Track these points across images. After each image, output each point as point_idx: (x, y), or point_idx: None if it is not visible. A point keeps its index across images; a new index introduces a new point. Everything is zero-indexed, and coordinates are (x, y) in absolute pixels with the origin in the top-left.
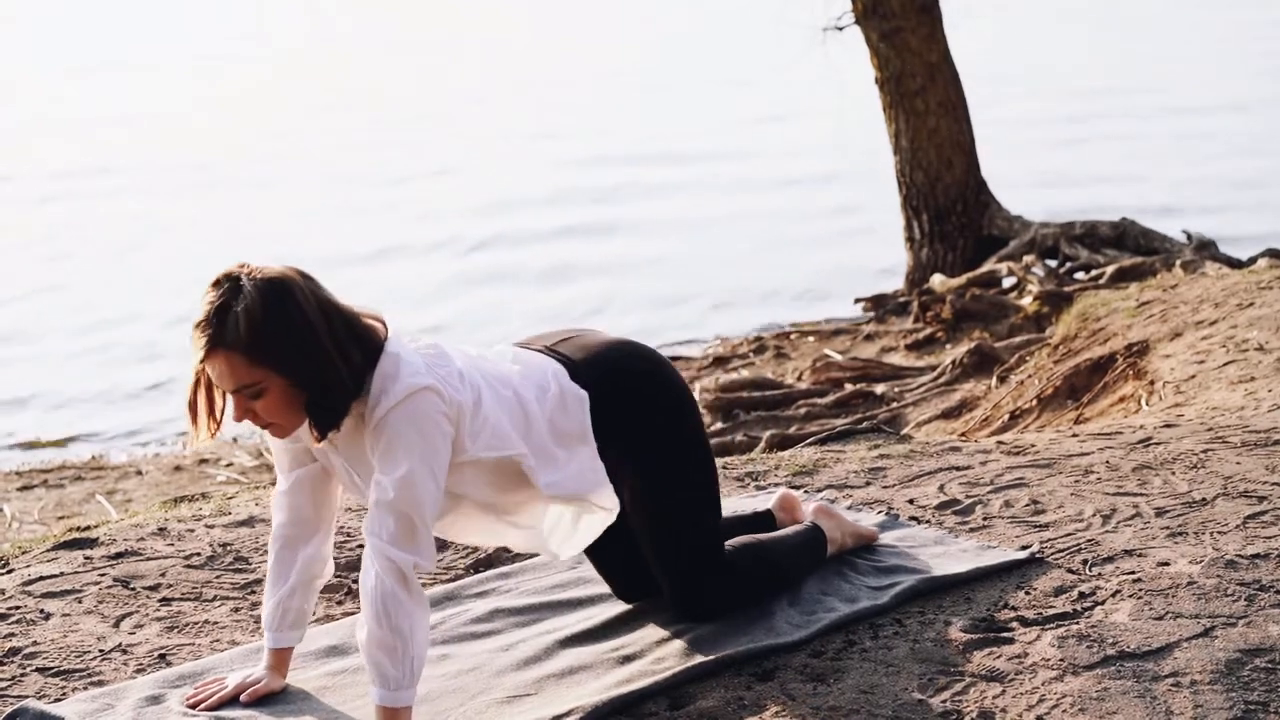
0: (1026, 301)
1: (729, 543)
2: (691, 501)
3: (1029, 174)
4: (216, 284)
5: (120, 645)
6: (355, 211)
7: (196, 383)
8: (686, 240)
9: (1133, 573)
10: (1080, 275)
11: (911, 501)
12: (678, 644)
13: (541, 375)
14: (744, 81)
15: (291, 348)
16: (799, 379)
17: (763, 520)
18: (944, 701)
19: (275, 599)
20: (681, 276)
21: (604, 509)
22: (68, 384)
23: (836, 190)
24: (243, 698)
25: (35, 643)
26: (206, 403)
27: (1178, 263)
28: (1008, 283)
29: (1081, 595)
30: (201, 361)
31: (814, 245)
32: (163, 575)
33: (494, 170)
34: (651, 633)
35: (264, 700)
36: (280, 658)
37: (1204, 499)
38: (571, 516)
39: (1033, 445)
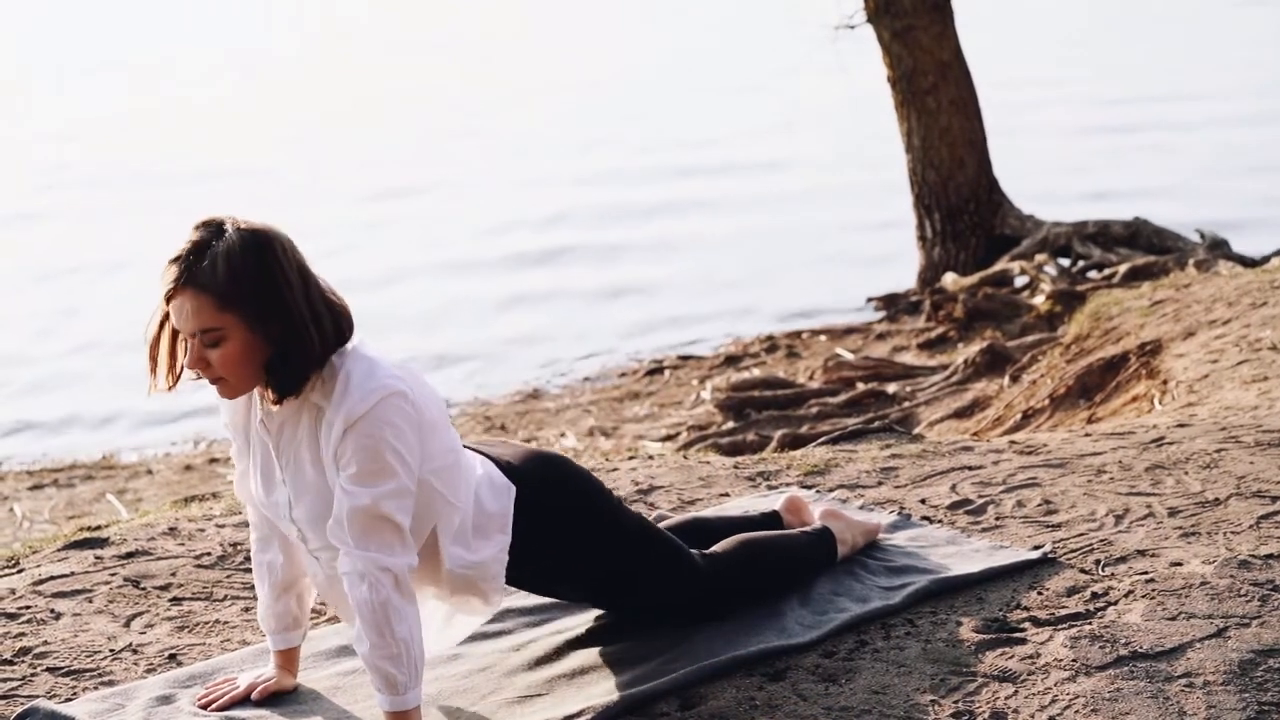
0: (1039, 301)
1: (729, 541)
2: (625, 571)
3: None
4: (200, 225)
5: (131, 645)
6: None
7: (161, 324)
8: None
9: (1145, 573)
10: (1093, 274)
11: (923, 501)
12: (689, 644)
13: (470, 458)
14: (756, 87)
15: (264, 299)
16: (811, 378)
17: (769, 522)
18: (956, 702)
19: (263, 604)
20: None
21: (484, 607)
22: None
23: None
24: (253, 695)
25: (46, 642)
26: (169, 351)
27: (1191, 262)
28: (1020, 282)
29: (1094, 595)
30: (168, 298)
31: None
32: (173, 575)
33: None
34: (662, 633)
35: (275, 700)
36: (286, 657)
37: (1217, 499)
38: (445, 614)
39: (1045, 445)
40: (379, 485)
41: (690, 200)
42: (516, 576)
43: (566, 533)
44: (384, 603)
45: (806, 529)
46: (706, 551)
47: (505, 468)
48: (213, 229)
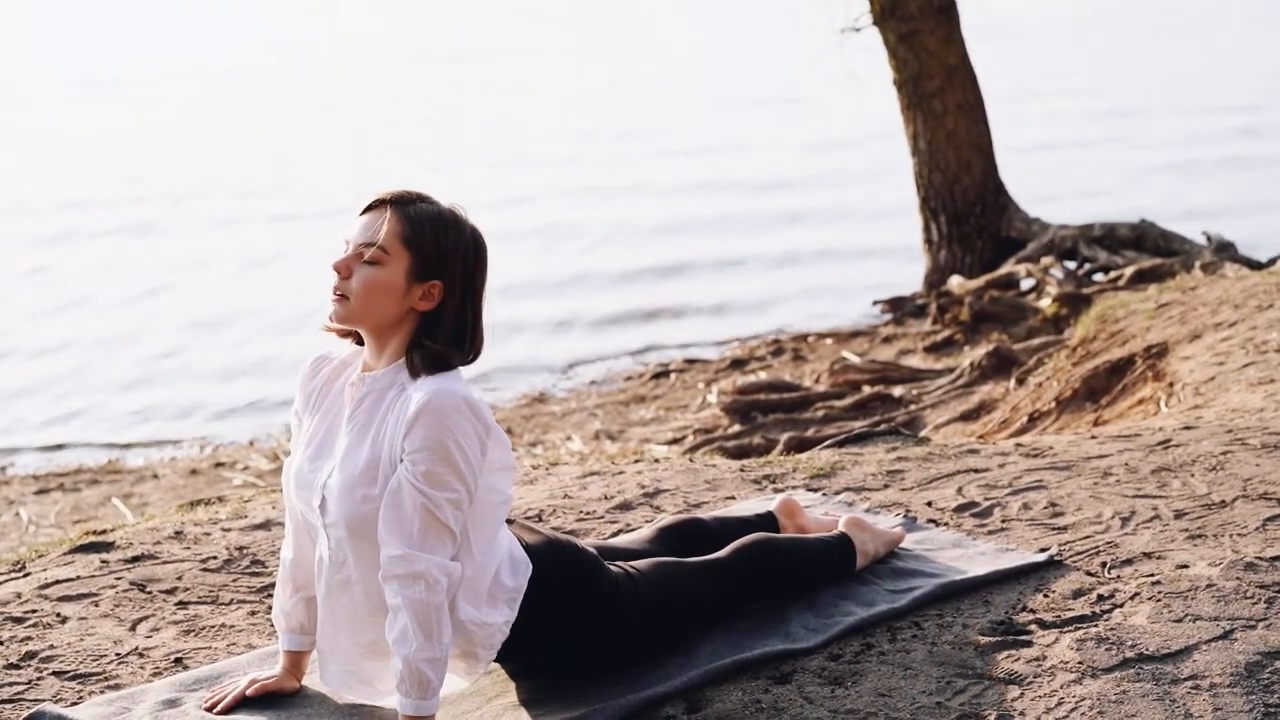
0: (1045, 303)
1: (744, 541)
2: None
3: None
4: (426, 194)
5: (137, 649)
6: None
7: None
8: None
9: (1152, 575)
10: (1099, 277)
11: (929, 504)
12: (695, 647)
13: (503, 529)
14: (760, 89)
15: (443, 264)
16: (817, 381)
17: (764, 524)
18: (962, 704)
19: (280, 601)
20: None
21: (465, 674)
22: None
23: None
24: (249, 691)
25: (52, 646)
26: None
27: (1197, 264)
28: (1026, 284)
29: (1100, 598)
30: (367, 209)
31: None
32: (179, 579)
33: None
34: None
35: (277, 702)
36: (295, 660)
37: (1223, 501)
38: None
39: (1051, 447)
40: (443, 490)
41: (692, 199)
42: (506, 646)
43: (567, 621)
44: (439, 606)
45: (825, 535)
46: (716, 555)
47: (524, 547)
48: (436, 200)
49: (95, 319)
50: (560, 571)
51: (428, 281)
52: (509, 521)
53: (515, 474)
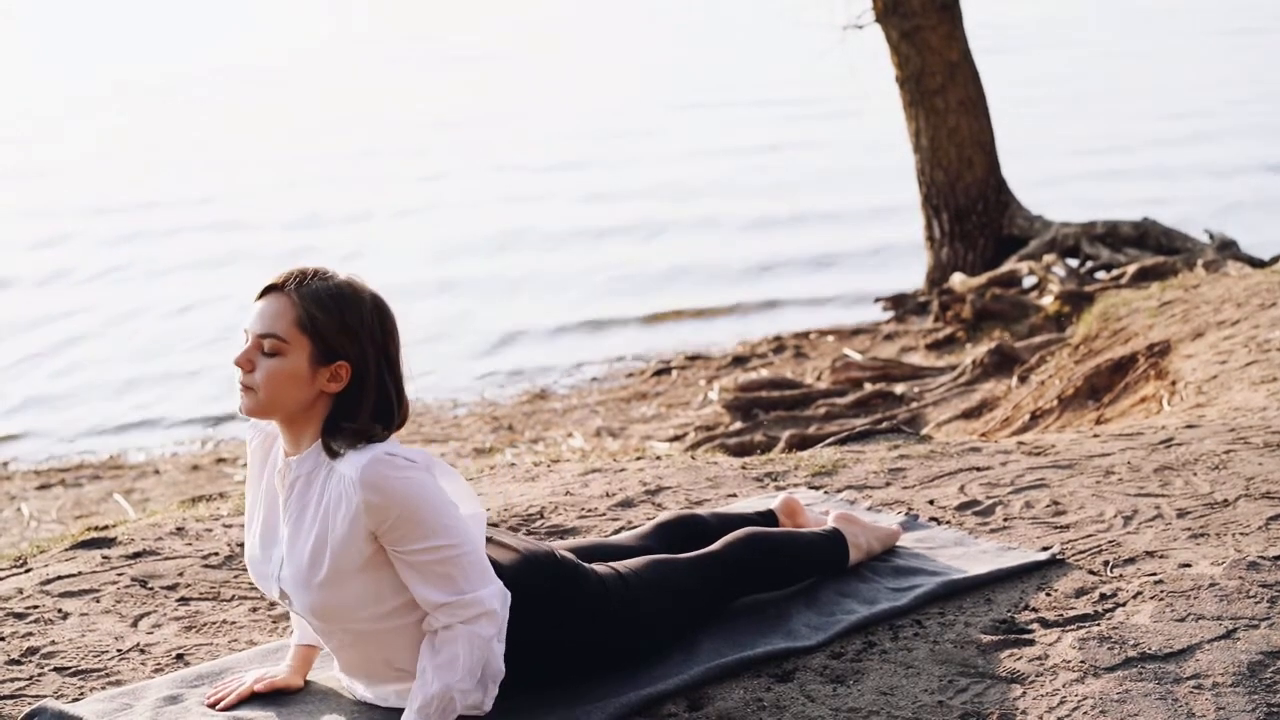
0: (1047, 301)
1: (735, 535)
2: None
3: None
4: (323, 267)
5: (138, 645)
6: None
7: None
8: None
9: (1154, 574)
10: (1101, 275)
11: (931, 502)
12: (696, 645)
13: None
14: (763, 87)
15: (344, 344)
16: (818, 379)
17: (764, 522)
18: (964, 703)
19: None
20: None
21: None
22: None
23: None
24: (257, 687)
25: (53, 642)
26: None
27: (1199, 262)
28: (1028, 282)
29: (1103, 597)
30: (260, 294)
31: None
32: (180, 575)
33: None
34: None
35: (283, 699)
36: (303, 657)
37: (1226, 500)
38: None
39: (1053, 446)
40: (435, 541)
41: (692, 200)
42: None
43: (557, 638)
44: (488, 642)
45: (816, 530)
46: (709, 549)
47: (499, 570)
48: (332, 272)
49: (98, 318)
50: (541, 589)
51: (333, 364)
52: (486, 540)
53: (474, 503)
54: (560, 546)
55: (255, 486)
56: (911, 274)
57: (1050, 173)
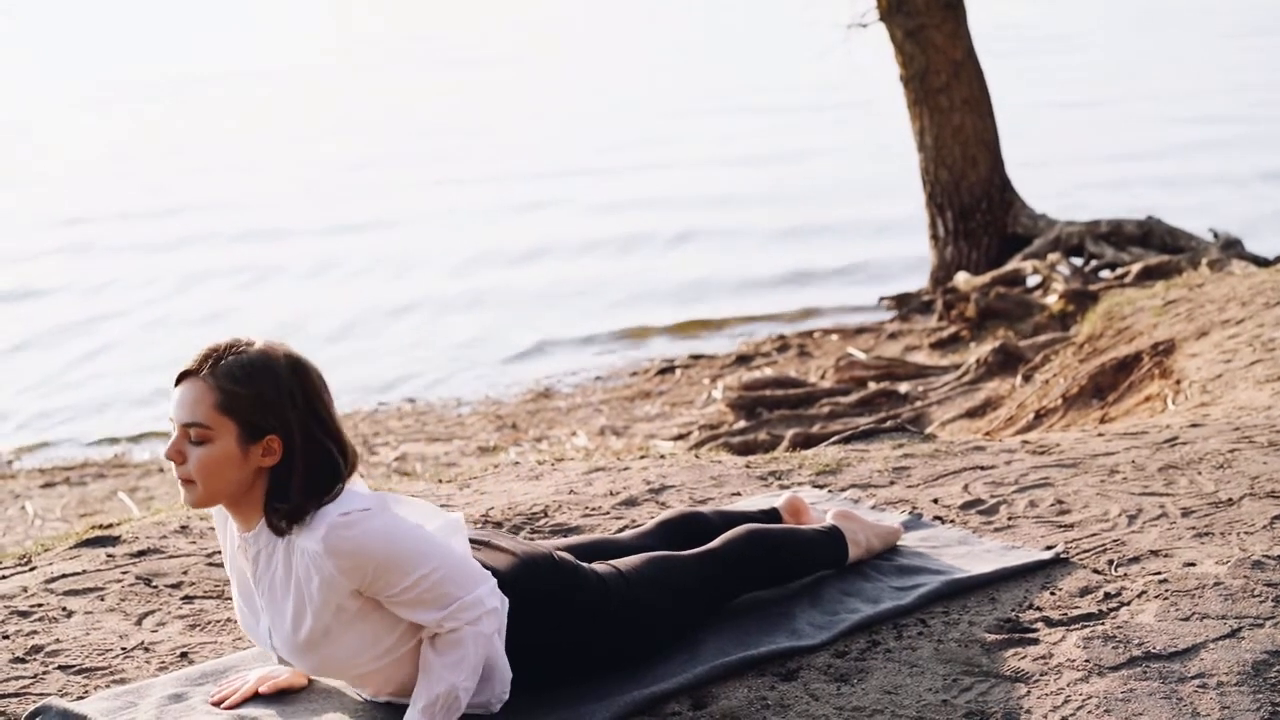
0: (1051, 300)
1: (735, 531)
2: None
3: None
4: (235, 339)
5: (142, 643)
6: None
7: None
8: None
9: (1159, 573)
10: (1105, 274)
11: (936, 501)
12: (700, 644)
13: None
14: (767, 86)
15: (266, 419)
16: (822, 378)
17: (768, 520)
18: (968, 702)
19: None
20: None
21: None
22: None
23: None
24: (262, 689)
25: (58, 640)
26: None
27: (1204, 261)
28: (1032, 281)
29: (1107, 596)
30: (176, 382)
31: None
32: (185, 573)
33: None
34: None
35: (287, 698)
36: None
37: (1230, 499)
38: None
39: (1058, 445)
40: (417, 573)
41: (693, 200)
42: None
43: (557, 640)
44: (489, 638)
45: (815, 527)
46: (709, 546)
47: (497, 576)
48: (245, 343)
49: (100, 315)
50: (540, 592)
51: (263, 439)
52: (480, 544)
53: (439, 514)
54: (562, 545)
55: (227, 558)
56: (916, 273)
57: (1072, 178)
